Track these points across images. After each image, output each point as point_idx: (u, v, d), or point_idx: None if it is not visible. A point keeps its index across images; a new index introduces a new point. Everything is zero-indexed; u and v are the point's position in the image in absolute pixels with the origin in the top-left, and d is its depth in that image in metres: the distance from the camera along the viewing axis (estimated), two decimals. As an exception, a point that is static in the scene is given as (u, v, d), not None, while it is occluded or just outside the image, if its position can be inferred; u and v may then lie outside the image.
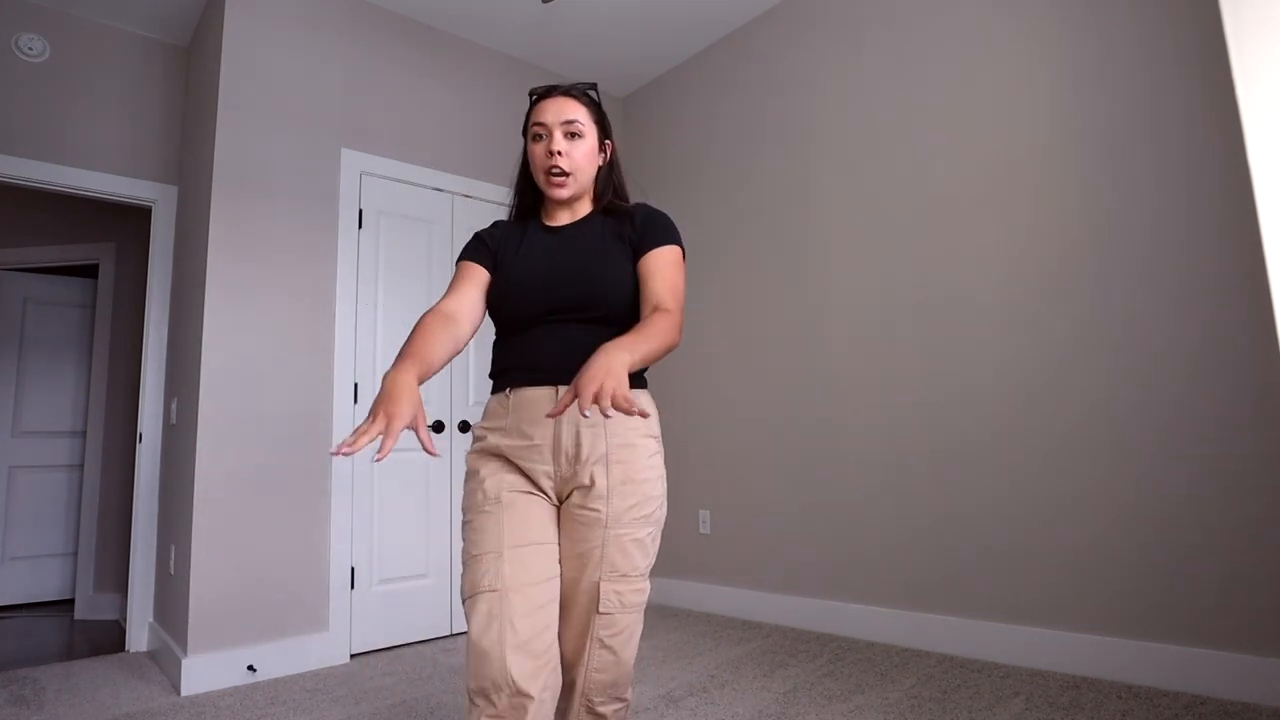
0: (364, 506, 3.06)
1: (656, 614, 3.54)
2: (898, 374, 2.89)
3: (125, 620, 3.36)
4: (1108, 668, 2.26)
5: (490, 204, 3.66)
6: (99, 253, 4.14)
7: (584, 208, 1.42)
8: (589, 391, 0.96)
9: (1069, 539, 2.39)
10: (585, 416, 0.97)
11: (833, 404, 3.11)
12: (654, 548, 1.27)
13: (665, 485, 1.30)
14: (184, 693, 2.53)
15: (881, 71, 3.05)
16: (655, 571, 3.85)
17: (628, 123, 4.34)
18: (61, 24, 3.25)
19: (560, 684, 1.17)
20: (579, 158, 1.34)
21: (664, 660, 2.72)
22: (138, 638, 3.20)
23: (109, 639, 3.47)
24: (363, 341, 3.14)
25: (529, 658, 1.09)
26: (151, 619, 3.21)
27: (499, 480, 1.24)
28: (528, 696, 1.07)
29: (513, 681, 1.07)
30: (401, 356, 1.11)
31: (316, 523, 2.91)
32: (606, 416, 0.95)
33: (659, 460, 1.29)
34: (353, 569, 2.99)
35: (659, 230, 1.34)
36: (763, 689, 2.35)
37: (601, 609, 1.21)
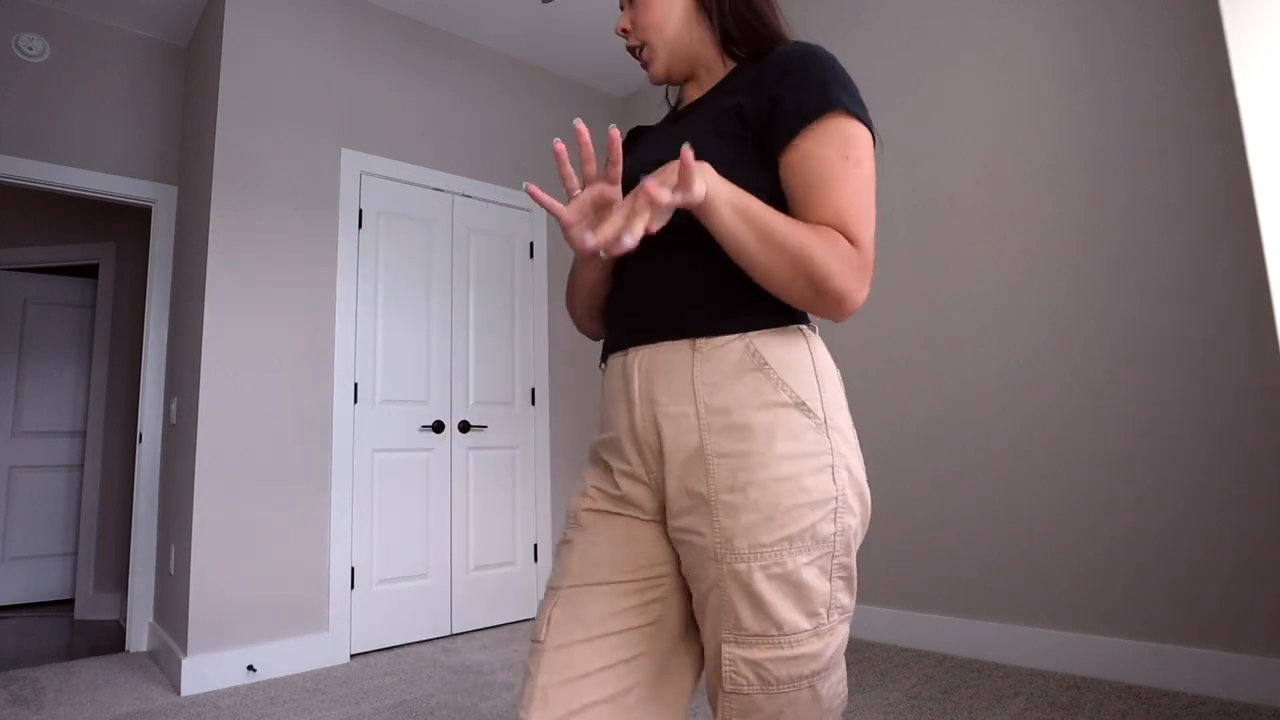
0: (364, 506, 3.06)
1: (656, 614, 3.54)
2: (898, 374, 2.89)
3: (125, 620, 3.36)
4: (1108, 668, 2.26)
5: (490, 204, 3.66)
6: (99, 253, 4.14)
7: (715, 73, 0.94)
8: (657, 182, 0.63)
9: (1069, 539, 2.39)
10: (610, 252, 0.63)
11: (833, 404, 3.10)
12: (831, 585, 0.76)
13: (843, 478, 0.77)
14: (184, 693, 2.53)
15: (882, 72, 3.05)
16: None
17: (627, 123, 4.34)
18: (61, 24, 3.25)
19: None
20: (644, 15, 0.91)
21: (664, 660, 2.72)
22: (138, 638, 3.20)
23: (109, 639, 3.47)
24: (363, 341, 3.14)
25: None
26: (151, 619, 3.21)
27: (583, 493, 0.89)
28: None
29: None
30: None
31: (316, 523, 2.91)
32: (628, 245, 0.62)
33: (814, 442, 0.77)
34: (353, 569, 2.99)
35: (801, 84, 0.78)
36: (763, 689, 2.35)
37: (726, 686, 0.77)
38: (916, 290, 2.86)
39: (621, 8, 0.96)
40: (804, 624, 0.74)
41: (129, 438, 4.02)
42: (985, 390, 2.63)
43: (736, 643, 0.75)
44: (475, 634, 3.26)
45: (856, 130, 0.77)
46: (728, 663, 0.76)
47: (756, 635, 0.74)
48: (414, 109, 3.44)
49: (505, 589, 3.43)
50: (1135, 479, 2.26)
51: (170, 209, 3.45)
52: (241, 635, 2.68)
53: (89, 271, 5.16)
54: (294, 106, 3.07)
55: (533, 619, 3.51)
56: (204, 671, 2.57)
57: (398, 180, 3.34)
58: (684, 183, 0.65)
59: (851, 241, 0.75)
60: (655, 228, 0.67)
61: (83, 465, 4.50)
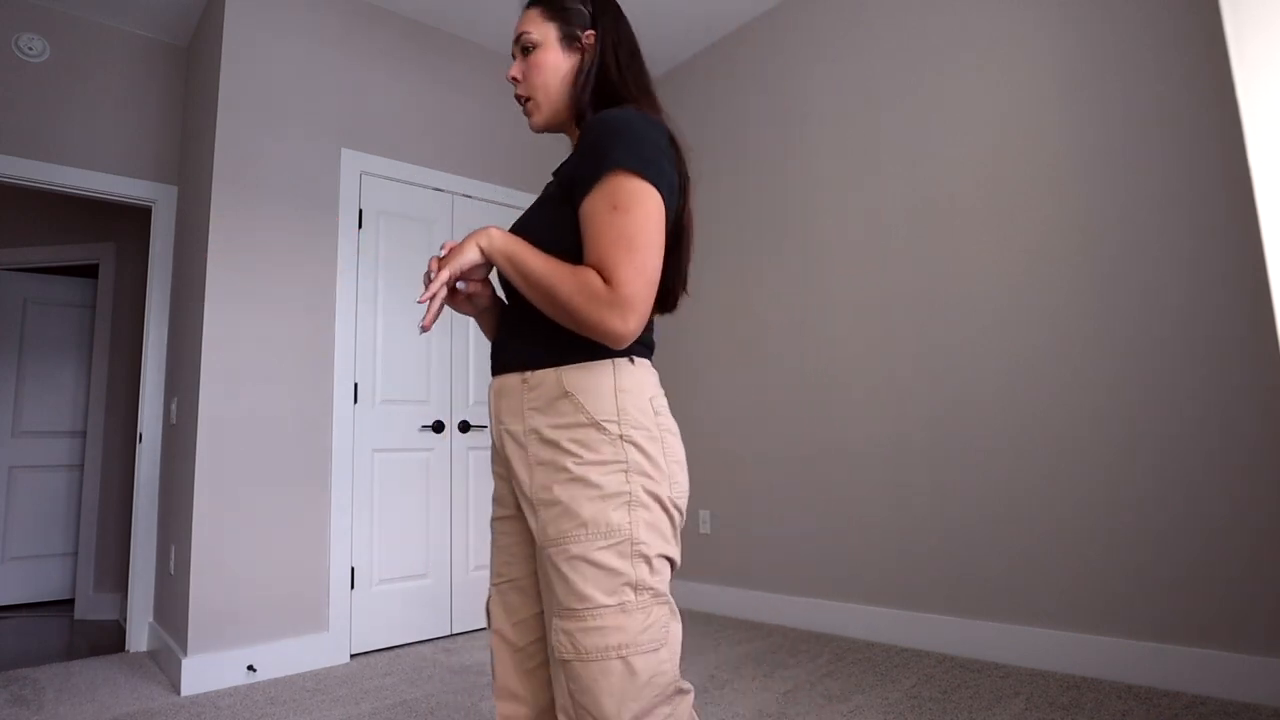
0: (364, 506, 3.06)
1: (656, 614, 3.54)
2: (899, 374, 2.89)
3: (125, 620, 3.36)
4: (1108, 668, 2.26)
5: (490, 204, 3.66)
6: (99, 253, 4.14)
7: (573, 134, 1.11)
8: (437, 264, 0.95)
9: (1069, 539, 2.39)
10: (421, 330, 0.89)
11: (834, 404, 3.11)
12: (632, 567, 0.89)
13: (635, 480, 0.92)
14: (184, 693, 2.53)
15: (882, 72, 3.04)
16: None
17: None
18: (61, 24, 3.25)
19: None
20: (534, 75, 1.06)
21: (664, 660, 2.72)
22: (138, 638, 3.20)
23: (109, 639, 3.47)
24: (362, 341, 3.14)
25: (516, 704, 1.01)
26: (151, 619, 3.21)
27: (494, 502, 1.09)
28: None
29: None
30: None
31: (316, 523, 2.91)
32: (424, 329, 0.89)
33: (607, 453, 0.92)
34: (353, 569, 2.99)
35: (595, 153, 0.92)
36: (763, 689, 2.35)
37: (554, 654, 0.90)
38: (916, 290, 2.86)
39: (514, 56, 1.10)
40: (605, 600, 0.87)
41: (129, 438, 4.02)
42: (985, 390, 2.63)
43: (557, 615, 0.90)
44: (475, 634, 3.26)
45: (628, 183, 0.90)
46: (553, 633, 0.90)
47: (566, 609, 0.89)
48: (414, 109, 3.44)
49: (505, 589, 3.43)
50: (1135, 479, 2.26)
51: (170, 209, 3.45)
52: (241, 635, 2.68)
53: (89, 271, 5.16)
54: (294, 106, 3.07)
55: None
56: (204, 671, 2.57)
57: (398, 180, 3.34)
58: (452, 254, 0.92)
59: (606, 279, 0.88)
60: (470, 291, 0.99)
61: (83, 465, 4.50)
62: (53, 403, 4.50)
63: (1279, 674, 1.96)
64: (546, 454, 0.94)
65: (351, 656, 2.95)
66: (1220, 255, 2.14)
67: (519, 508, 1.03)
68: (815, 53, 3.31)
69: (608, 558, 0.89)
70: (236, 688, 2.60)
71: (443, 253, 0.95)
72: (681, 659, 2.72)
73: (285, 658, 2.75)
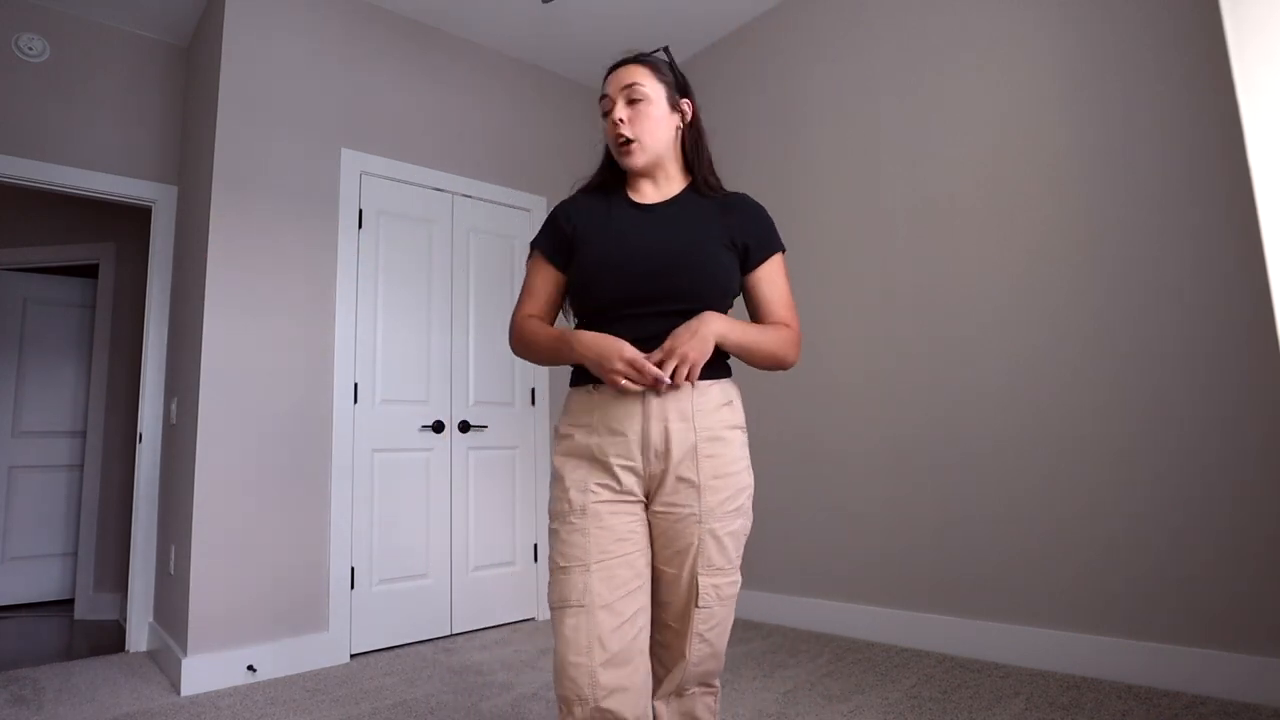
0: (364, 506, 3.06)
1: (656, 614, 3.54)
2: (899, 375, 2.89)
3: (125, 620, 3.36)
4: (1108, 668, 2.26)
5: (490, 204, 3.66)
6: (99, 253, 4.14)
7: (674, 185, 1.34)
8: (670, 365, 1.14)
9: (1069, 539, 2.39)
10: (661, 391, 1.14)
11: (834, 403, 3.11)
12: (744, 539, 1.26)
13: (752, 475, 1.27)
14: (184, 693, 2.53)
15: (882, 72, 3.04)
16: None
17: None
18: (61, 24, 3.25)
19: (649, 684, 1.17)
20: (643, 122, 1.26)
21: (664, 660, 2.72)
22: (138, 638, 3.20)
23: (109, 639, 3.47)
24: (362, 341, 3.14)
25: (617, 669, 1.11)
26: (151, 619, 3.21)
27: (584, 488, 1.20)
28: (612, 714, 1.09)
29: (600, 698, 1.09)
30: (559, 334, 1.23)
31: (316, 523, 2.91)
32: (675, 387, 1.15)
33: (746, 451, 1.27)
34: (353, 569, 2.99)
35: (770, 232, 1.30)
36: (763, 689, 2.35)
37: (700, 603, 1.21)
38: (916, 290, 2.86)
39: (614, 100, 1.28)
40: (736, 561, 1.25)
41: (129, 438, 4.02)
42: (985, 390, 2.63)
43: (707, 574, 1.21)
44: (475, 634, 3.26)
45: (783, 260, 1.33)
46: (702, 588, 1.21)
47: (718, 568, 1.22)
48: (414, 109, 3.44)
49: (505, 589, 3.43)
50: (1135, 478, 2.26)
51: (170, 209, 3.45)
52: (241, 635, 2.68)
53: (89, 271, 5.16)
54: (294, 106, 3.07)
55: (532, 618, 3.51)
56: (204, 671, 2.57)
57: (398, 180, 3.34)
58: (693, 354, 1.16)
59: (792, 327, 1.30)
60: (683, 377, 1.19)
61: (83, 465, 4.50)
62: (53, 403, 4.50)
63: (1279, 674, 1.96)
64: (714, 449, 1.22)
65: (351, 656, 2.95)
66: (1220, 255, 2.14)
67: (646, 496, 1.23)
68: (815, 53, 3.31)
69: (742, 531, 1.24)
70: (236, 688, 2.60)
71: (673, 357, 1.16)
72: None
73: (285, 658, 2.75)
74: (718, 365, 1.26)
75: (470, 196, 3.58)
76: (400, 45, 3.43)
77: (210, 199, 2.84)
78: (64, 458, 4.51)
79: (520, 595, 3.48)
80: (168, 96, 3.50)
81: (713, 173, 1.35)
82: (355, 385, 3.09)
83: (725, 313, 1.24)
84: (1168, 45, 2.26)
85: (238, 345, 2.81)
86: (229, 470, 2.73)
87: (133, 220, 4.18)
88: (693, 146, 1.33)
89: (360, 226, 3.20)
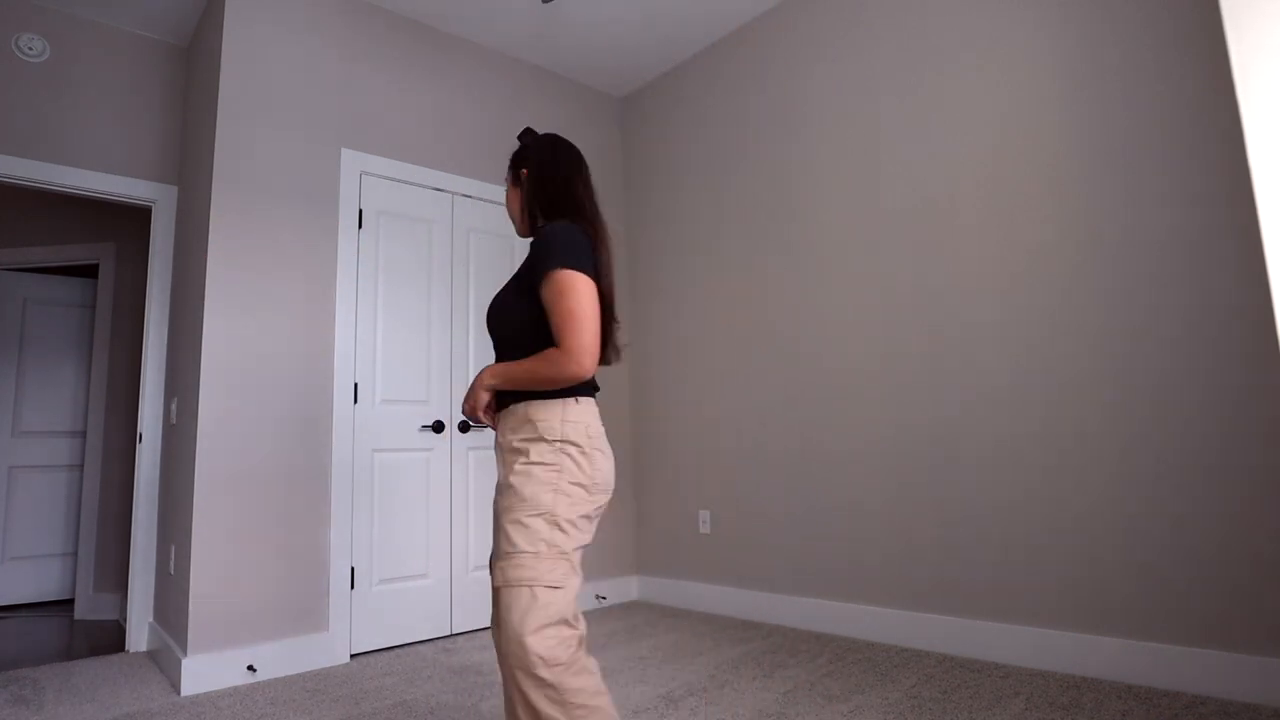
0: (364, 506, 3.06)
1: (656, 613, 3.54)
2: (899, 375, 2.89)
3: (125, 620, 3.36)
4: (1108, 668, 2.26)
5: (490, 204, 3.66)
6: (99, 253, 4.14)
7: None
8: (465, 406, 1.47)
9: (1069, 539, 2.39)
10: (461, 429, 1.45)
11: (834, 404, 3.11)
12: (549, 530, 1.34)
13: (567, 473, 1.37)
14: (184, 693, 2.53)
15: (882, 72, 3.05)
16: (655, 571, 3.85)
17: (626, 123, 4.34)
18: (61, 24, 3.25)
19: None
20: (508, 204, 1.62)
21: (664, 660, 2.72)
22: (138, 638, 3.20)
23: (109, 639, 3.47)
24: (363, 341, 3.14)
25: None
26: (151, 619, 3.21)
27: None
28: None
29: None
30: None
31: (316, 522, 2.91)
32: (481, 424, 1.39)
33: (548, 455, 1.37)
34: (353, 569, 2.99)
35: (542, 256, 1.38)
36: (763, 689, 2.35)
37: (493, 583, 1.39)
38: (916, 290, 2.86)
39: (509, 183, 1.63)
40: (527, 548, 1.32)
41: (129, 438, 4.02)
42: (985, 390, 2.63)
43: (498, 556, 1.35)
44: (475, 634, 3.26)
45: (558, 279, 1.35)
46: (495, 570, 1.35)
47: (505, 552, 1.34)
48: (414, 109, 3.44)
49: (505, 589, 3.43)
50: (1136, 478, 2.26)
51: (170, 209, 3.45)
52: (241, 635, 2.68)
53: (89, 271, 5.16)
54: (294, 106, 3.07)
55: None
56: (204, 671, 2.57)
57: (398, 180, 3.34)
58: (476, 401, 1.46)
59: (556, 349, 1.34)
60: (487, 417, 1.50)
61: (83, 465, 4.50)
62: (53, 403, 4.50)
63: (1279, 674, 1.96)
64: (512, 456, 1.41)
65: (351, 656, 2.95)
66: (1220, 254, 2.14)
67: None
68: (815, 53, 3.31)
69: (538, 525, 1.34)
70: (236, 688, 2.60)
71: (466, 407, 1.47)
72: (681, 659, 2.72)
73: (285, 658, 2.75)
74: (526, 392, 1.44)
75: (470, 196, 3.58)
76: (400, 45, 3.43)
77: (210, 199, 2.84)
78: (64, 458, 4.51)
79: (520, 595, 3.48)
80: (168, 96, 3.50)
81: (542, 214, 1.53)
82: (355, 385, 3.09)
83: (539, 348, 1.40)
84: (1168, 45, 2.26)
85: (238, 345, 2.81)
86: (229, 470, 2.73)
87: (133, 220, 4.18)
88: (530, 208, 1.56)
89: (360, 226, 3.20)
